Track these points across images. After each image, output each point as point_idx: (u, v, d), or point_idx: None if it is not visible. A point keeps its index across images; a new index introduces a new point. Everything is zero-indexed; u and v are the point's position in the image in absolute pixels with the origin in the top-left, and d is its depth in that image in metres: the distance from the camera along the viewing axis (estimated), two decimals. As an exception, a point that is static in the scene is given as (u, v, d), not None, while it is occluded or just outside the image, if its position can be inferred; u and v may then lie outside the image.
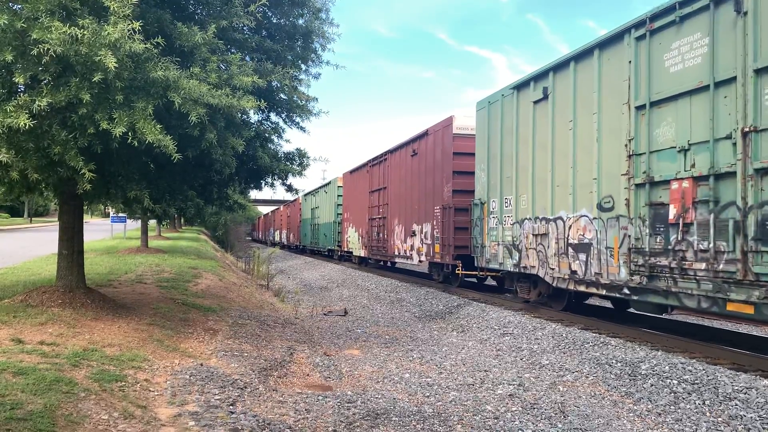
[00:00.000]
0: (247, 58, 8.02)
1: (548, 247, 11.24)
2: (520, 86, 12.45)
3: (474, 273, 15.18)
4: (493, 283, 16.93)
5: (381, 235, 22.49)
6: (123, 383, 5.68)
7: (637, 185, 8.99)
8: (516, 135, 12.50)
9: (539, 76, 11.76)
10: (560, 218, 10.92)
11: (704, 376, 7.14)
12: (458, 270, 15.48)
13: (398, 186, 20.52)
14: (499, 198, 13.28)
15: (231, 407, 5.79)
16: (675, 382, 7.18)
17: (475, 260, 14.49)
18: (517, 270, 12.47)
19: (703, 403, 6.55)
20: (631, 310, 11.57)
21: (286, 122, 9.54)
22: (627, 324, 10.68)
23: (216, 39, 6.79)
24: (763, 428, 5.86)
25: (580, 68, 10.50)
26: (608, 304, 12.98)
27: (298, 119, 9.35)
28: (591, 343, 9.33)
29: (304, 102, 8.94)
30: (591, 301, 13.28)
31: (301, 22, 8.74)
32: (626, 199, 9.19)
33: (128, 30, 5.52)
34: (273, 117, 9.64)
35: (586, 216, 10.19)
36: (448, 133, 16.23)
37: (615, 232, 9.43)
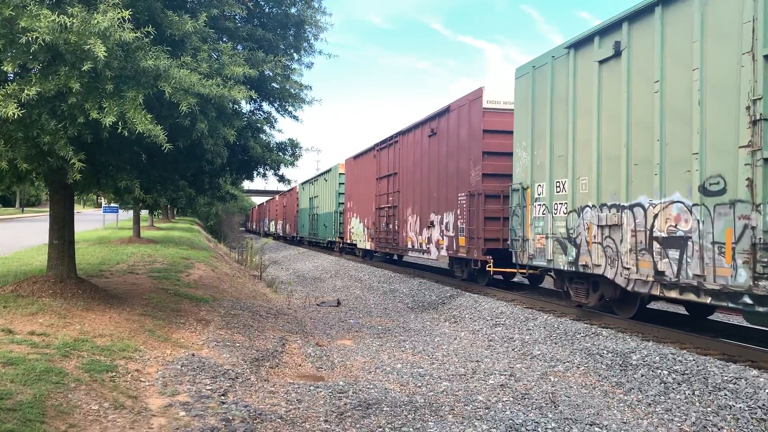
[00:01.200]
0: (239, 47, 7.97)
1: (621, 241, 9.16)
2: (579, 44, 10.24)
3: (511, 270, 13.16)
4: (524, 281, 15.35)
5: (391, 226, 20.28)
6: (114, 373, 5.67)
7: (766, 160, 7.00)
8: (573, 104, 10.38)
9: (607, 30, 9.57)
10: (639, 205, 8.86)
11: (694, 366, 7.19)
12: (489, 266, 13.50)
13: (412, 171, 18.34)
14: (547, 181, 11.12)
15: (222, 397, 5.79)
16: (665, 372, 7.23)
17: (513, 256, 12.32)
18: (572, 269, 10.37)
19: (693, 394, 6.60)
20: (722, 319, 10.20)
21: (278, 111, 9.50)
22: (617, 315, 10.71)
23: (207, 28, 6.74)
24: (752, 418, 5.91)
25: (671, 13, 8.39)
26: (671, 309, 11.75)
27: (290, 108, 9.31)
28: (582, 334, 9.38)
29: (296, 91, 8.90)
30: (651, 305, 11.49)
31: (293, 10, 8.69)
32: (748, 179, 7.13)
33: (118, 18, 5.48)
34: (265, 106, 9.60)
35: (681, 202, 8.13)
36: (476, 107, 14.08)
37: (728, 223, 7.41)
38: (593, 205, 9.87)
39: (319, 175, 34.09)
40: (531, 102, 11.74)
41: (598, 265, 9.73)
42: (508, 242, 12.81)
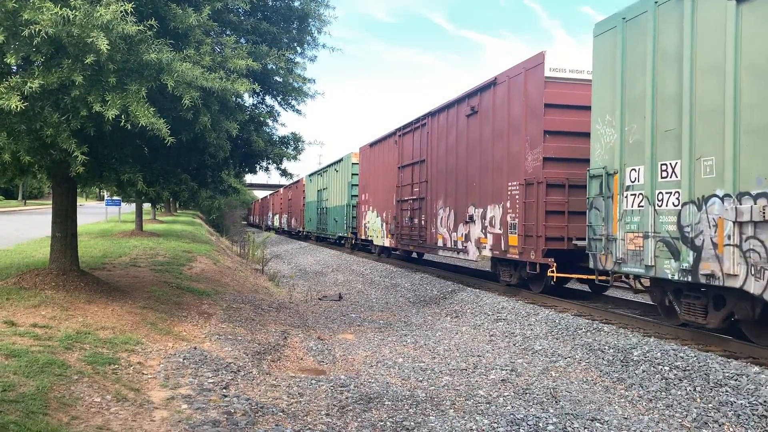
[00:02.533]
0: (242, 40, 7.97)
1: None
2: None
3: (585, 277, 11.01)
4: (582, 287, 13.23)
5: (416, 221, 17.75)
6: (116, 366, 5.69)
7: None
8: (690, 61, 8.03)
9: None
10: None
11: (695, 362, 7.20)
12: (551, 271, 11.01)
13: (445, 157, 15.71)
14: (647, 164, 8.73)
15: (224, 390, 5.81)
16: (666, 368, 7.23)
17: (591, 259, 9.81)
18: (687, 278, 8.03)
19: (694, 390, 6.60)
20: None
21: (281, 105, 9.50)
22: (619, 310, 10.70)
23: (210, 21, 6.73)
24: (753, 414, 5.91)
25: None
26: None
27: (293, 102, 9.31)
28: (584, 329, 9.38)
29: (299, 84, 8.90)
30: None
31: (297, 4, 8.68)
32: None
33: (121, 11, 5.47)
34: (268, 100, 9.60)
35: None
36: (535, 77, 11.59)
37: None
38: (726, 195, 7.51)
39: (329, 166, 31.11)
40: (620, 63, 9.33)
41: (734, 275, 7.37)
42: (575, 242, 10.72)
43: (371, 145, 22.95)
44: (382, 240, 21.18)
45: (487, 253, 13.40)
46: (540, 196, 11.38)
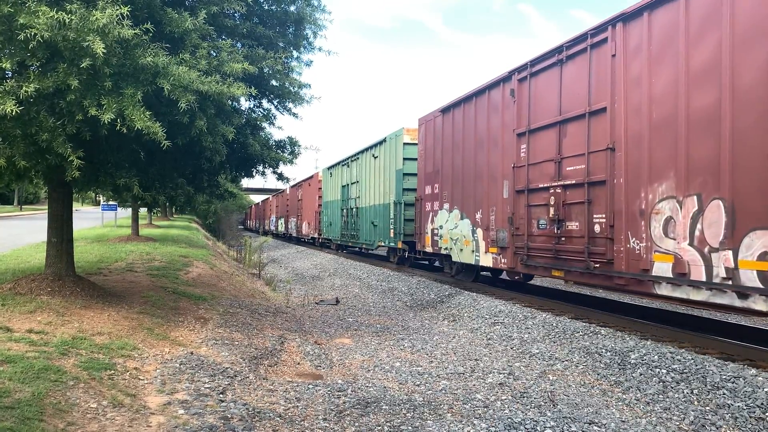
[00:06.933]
0: (238, 44, 7.97)
1: None
2: None
3: None
4: None
5: (576, 225, 10.11)
6: (112, 372, 5.66)
7: None
8: None
9: None
10: None
11: (693, 365, 7.20)
12: None
13: (671, 96, 8.11)
14: None
15: (221, 396, 5.78)
16: (664, 371, 7.23)
17: None
18: None
19: (691, 392, 6.60)
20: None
21: (278, 109, 9.51)
22: (617, 313, 10.70)
23: (206, 25, 6.74)
24: (750, 417, 5.91)
25: None
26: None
27: (290, 105, 9.32)
28: (581, 333, 9.37)
29: (296, 88, 8.91)
30: None
31: (292, 8, 8.69)
32: None
33: (117, 15, 5.47)
34: (265, 104, 9.60)
35: None
36: None
37: None
38: None
39: (362, 152, 23.25)
40: None
41: None
42: None
43: (444, 110, 15.29)
44: (473, 255, 13.79)
45: None
46: None
